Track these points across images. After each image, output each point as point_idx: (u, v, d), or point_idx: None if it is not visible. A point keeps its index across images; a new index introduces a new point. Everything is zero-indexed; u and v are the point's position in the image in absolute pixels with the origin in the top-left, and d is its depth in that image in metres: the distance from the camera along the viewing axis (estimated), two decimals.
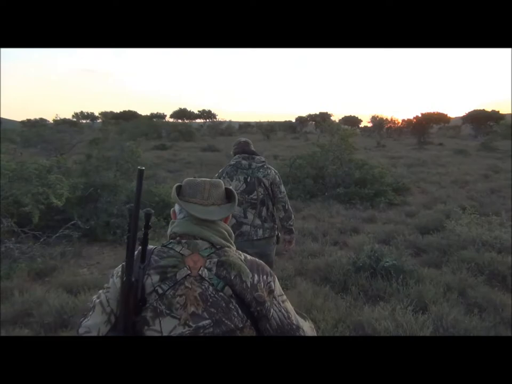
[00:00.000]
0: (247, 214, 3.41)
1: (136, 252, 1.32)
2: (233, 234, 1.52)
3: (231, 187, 1.64)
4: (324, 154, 11.16)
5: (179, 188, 1.49)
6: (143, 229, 1.30)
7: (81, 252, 6.19)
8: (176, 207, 1.51)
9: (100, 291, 1.38)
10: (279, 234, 3.61)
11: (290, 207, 3.60)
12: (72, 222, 6.58)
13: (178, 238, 1.40)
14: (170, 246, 1.37)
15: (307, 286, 4.56)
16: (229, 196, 1.53)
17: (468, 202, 9.12)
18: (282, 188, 3.54)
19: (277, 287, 1.44)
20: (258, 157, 3.55)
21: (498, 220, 5.99)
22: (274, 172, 3.55)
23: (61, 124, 34.58)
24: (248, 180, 3.42)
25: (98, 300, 1.34)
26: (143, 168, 1.28)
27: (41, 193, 5.67)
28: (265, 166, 3.51)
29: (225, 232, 1.46)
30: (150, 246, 1.37)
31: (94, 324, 1.29)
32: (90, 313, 1.32)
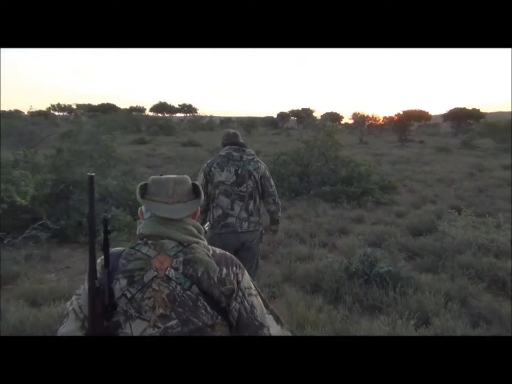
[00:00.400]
0: (234, 206, 3.38)
1: (100, 259, 1.34)
2: (202, 229, 1.50)
3: (197, 182, 1.59)
4: (309, 151, 10.81)
5: (144, 187, 1.46)
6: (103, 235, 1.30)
7: (50, 255, 5.67)
8: (143, 207, 1.49)
9: (73, 297, 1.38)
10: (264, 231, 3.60)
11: (279, 200, 3.66)
12: (41, 222, 6.06)
13: (145, 239, 1.39)
14: (137, 248, 1.37)
15: (297, 296, 4.17)
16: (196, 191, 1.49)
17: (457, 202, 8.92)
18: (272, 182, 3.57)
19: (245, 280, 1.43)
20: (248, 149, 3.54)
21: (495, 222, 5.72)
22: (264, 166, 3.56)
23: (36, 115, 33.46)
24: (239, 172, 3.40)
25: (71, 307, 1.35)
26: (93, 174, 1.29)
27: (3, 191, 5.14)
28: (255, 159, 3.50)
29: (193, 228, 1.44)
30: (119, 248, 1.39)
31: (68, 331, 1.30)
32: (65, 320, 1.33)
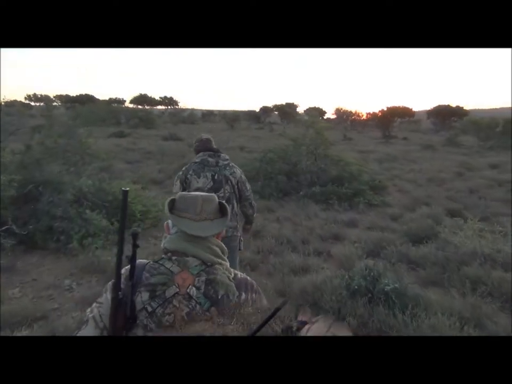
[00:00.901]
0: None
1: (124, 269, 1.33)
2: (226, 250, 1.50)
3: (222, 201, 1.57)
4: (297, 149, 10.35)
5: (172, 202, 1.49)
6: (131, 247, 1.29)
7: (15, 265, 5.07)
8: (170, 221, 1.50)
9: (94, 305, 1.37)
10: (242, 238, 3.58)
11: (255, 203, 3.68)
12: (5, 227, 5.44)
13: (169, 254, 1.40)
14: (161, 263, 1.38)
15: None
16: (222, 209, 1.52)
17: (451, 204, 8.61)
18: (248, 186, 3.58)
19: (262, 307, 1.34)
20: (223, 154, 3.55)
21: (503, 231, 5.34)
22: (240, 170, 3.56)
23: (10, 106, 32.04)
24: (216, 177, 3.40)
25: (91, 315, 1.33)
26: (127, 189, 1.30)
27: None
28: (230, 164, 3.52)
29: (217, 249, 1.45)
30: (143, 261, 1.39)
31: None
32: (84, 327, 1.32)
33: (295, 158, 10.05)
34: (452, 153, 19.20)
